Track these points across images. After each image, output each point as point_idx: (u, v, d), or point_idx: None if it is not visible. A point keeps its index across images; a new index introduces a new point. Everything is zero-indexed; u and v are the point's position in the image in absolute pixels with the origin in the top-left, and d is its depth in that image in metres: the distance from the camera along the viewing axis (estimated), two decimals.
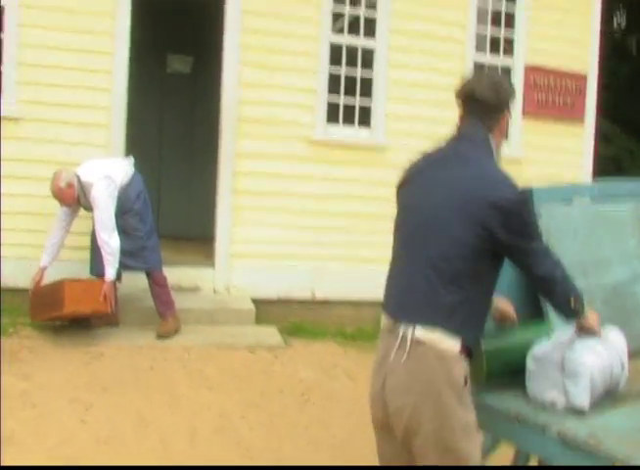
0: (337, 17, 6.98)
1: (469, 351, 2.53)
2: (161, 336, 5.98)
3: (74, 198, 5.70)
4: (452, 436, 2.47)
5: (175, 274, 6.67)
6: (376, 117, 7.05)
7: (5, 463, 3.98)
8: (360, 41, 7.03)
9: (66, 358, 5.49)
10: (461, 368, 2.49)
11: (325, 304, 6.95)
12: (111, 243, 5.62)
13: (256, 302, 6.70)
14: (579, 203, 3.30)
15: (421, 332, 2.47)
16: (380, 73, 7.04)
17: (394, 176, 2.83)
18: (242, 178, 6.76)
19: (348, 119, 7.03)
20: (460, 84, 2.68)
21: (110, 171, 5.73)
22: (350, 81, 7.03)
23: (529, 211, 2.61)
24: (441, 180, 2.56)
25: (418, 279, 2.50)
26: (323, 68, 6.87)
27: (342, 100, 7.01)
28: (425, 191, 2.58)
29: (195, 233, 8.03)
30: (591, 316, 2.71)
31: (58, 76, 6.31)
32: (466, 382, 2.51)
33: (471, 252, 2.46)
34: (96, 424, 4.56)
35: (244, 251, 6.80)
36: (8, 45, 6.22)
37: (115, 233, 5.65)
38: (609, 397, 2.75)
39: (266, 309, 6.76)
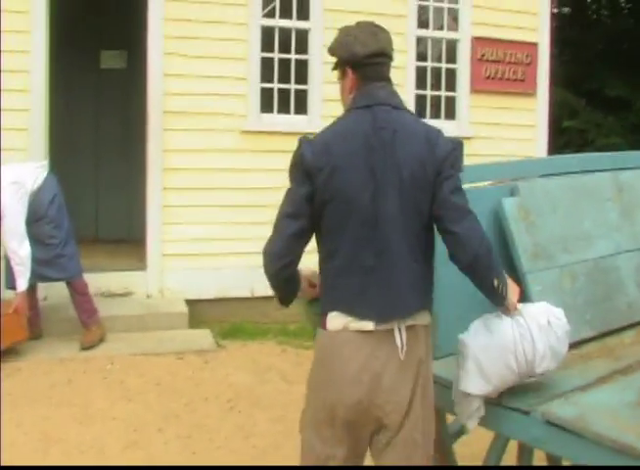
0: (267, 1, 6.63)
1: None
2: (85, 347, 5.62)
3: None
4: (432, 408, 2.49)
5: (106, 280, 6.36)
6: (312, 103, 6.69)
7: None
8: (293, 23, 6.67)
9: None
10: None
11: (266, 300, 6.58)
12: (20, 252, 5.24)
13: (193, 303, 6.35)
14: (558, 177, 3.20)
15: (411, 321, 2.38)
16: (315, 56, 6.67)
17: None
18: (171, 174, 6.39)
19: (284, 107, 6.67)
20: (344, 44, 2.45)
21: (18, 177, 5.35)
22: (284, 67, 6.68)
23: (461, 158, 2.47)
24: (387, 160, 2.32)
25: (400, 270, 2.34)
26: (254, 54, 6.50)
27: (275, 87, 6.65)
28: (372, 173, 2.32)
29: (135, 236, 7.67)
30: (512, 292, 2.47)
31: None
32: None
33: (429, 220, 2.37)
34: None
35: (176, 251, 6.43)
36: None
37: (26, 242, 5.27)
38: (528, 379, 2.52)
39: (203, 311, 6.42)
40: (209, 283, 6.47)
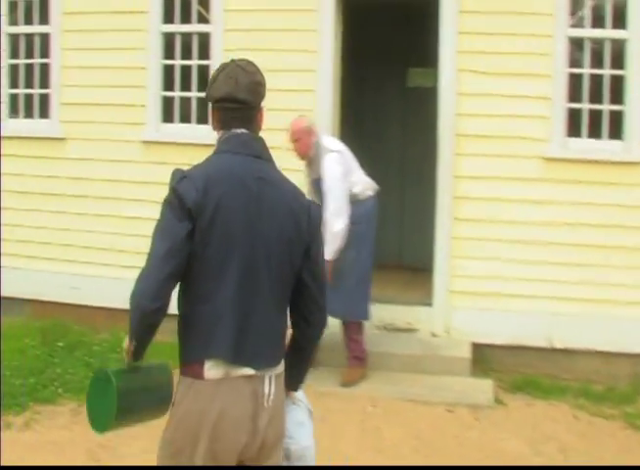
0: None
1: None
2: (344, 385, 5.32)
3: (309, 148, 5.22)
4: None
5: (391, 312, 6.01)
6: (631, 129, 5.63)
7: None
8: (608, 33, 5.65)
9: None
10: None
11: (568, 353, 5.69)
12: (335, 224, 5.05)
13: (479, 348, 5.71)
14: None
15: (279, 369, 2.41)
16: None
17: None
18: (462, 203, 5.81)
19: (595, 131, 5.71)
20: (209, 87, 2.40)
21: (340, 149, 5.31)
22: (596, 84, 5.71)
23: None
24: (261, 208, 2.32)
25: (272, 319, 2.37)
26: (559, 69, 5.63)
27: (585, 107, 5.71)
28: (249, 218, 2.30)
29: (407, 261, 7.21)
30: None
31: None
32: None
33: (294, 276, 2.40)
34: None
35: (466, 287, 5.83)
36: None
37: (345, 218, 5.10)
38: None
39: (490, 358, 5.74)
40: (500, 327, 5.76)
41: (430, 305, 5.97)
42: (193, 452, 2.29)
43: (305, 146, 5.23)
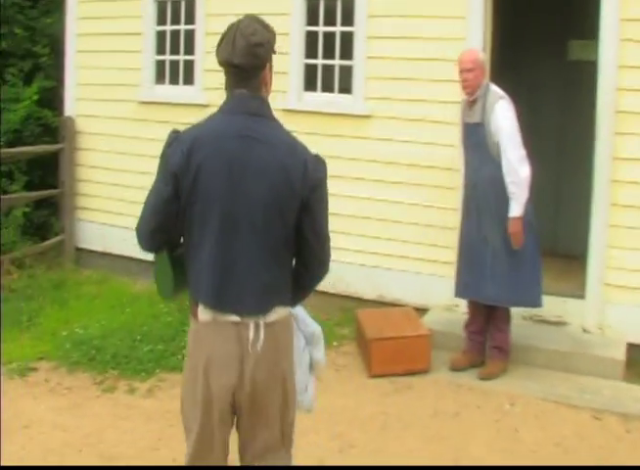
0: None
1: None
2: (482, 378, 4.98)
3: (478, 84, 4.80)
4: (293, 390, 2.67)
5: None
6: None
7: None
8: None
9: (372, 385, 4.95)
10: None
11: None
12: (521, 171, 4.69)
13: (636, 349, 5.17)
14: None
15: (271, 317, 2.55)
16: None
17: None
18: (621, 188, 5.24)
19: None
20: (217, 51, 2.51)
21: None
22: None
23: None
24: (249, 166, 2.46)
25: (251, 269, 2.51)
26: None
27: None
28: (230, 177, 2.45)
29: (562, 248, 6.64)
30: None
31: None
32: None
33: (289, 230, 2.53)
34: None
35: (622, 281, 5.27)
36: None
37: (528, 165, 4.73)
38: None
39: None
40: None
41: (582, 297, 5.46)
42: (195, 389, 2.56)
43: (478, 79, 4.80)
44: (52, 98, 7.71)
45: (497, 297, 4.88)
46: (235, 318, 2.49)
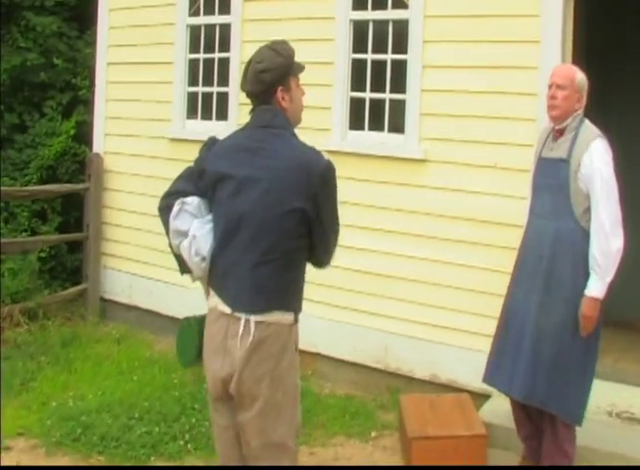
0: None
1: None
2: None
3: (569, 108, 3.72)
4: (285, 397, 2.78)
5: (625, 396, 4.49)
6: None
7: None
8: None
9: None
10: None
11: None
12: (612, 241, 3.58)
13: None
14: None
15: (270, 318, 2.75)
16: None
17: None
18: None
19: None
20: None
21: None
22: None
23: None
24: (251, 172, 2.74)
25: (251, 270, 2.74)
26: None
27: None
28: (237, 185, 2.76)
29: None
30: None
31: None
32: None
33: (292, 235, 2.77)
34: None
35: None
36: None
37: (621, 231, 3.61)
38: None
39: None
40: None
41: None
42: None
43: (570, 102, 3.74)
44: (90, 132, 7.22)
45: (529, 394, 3.79)
46: (227, 310, 2.74)
